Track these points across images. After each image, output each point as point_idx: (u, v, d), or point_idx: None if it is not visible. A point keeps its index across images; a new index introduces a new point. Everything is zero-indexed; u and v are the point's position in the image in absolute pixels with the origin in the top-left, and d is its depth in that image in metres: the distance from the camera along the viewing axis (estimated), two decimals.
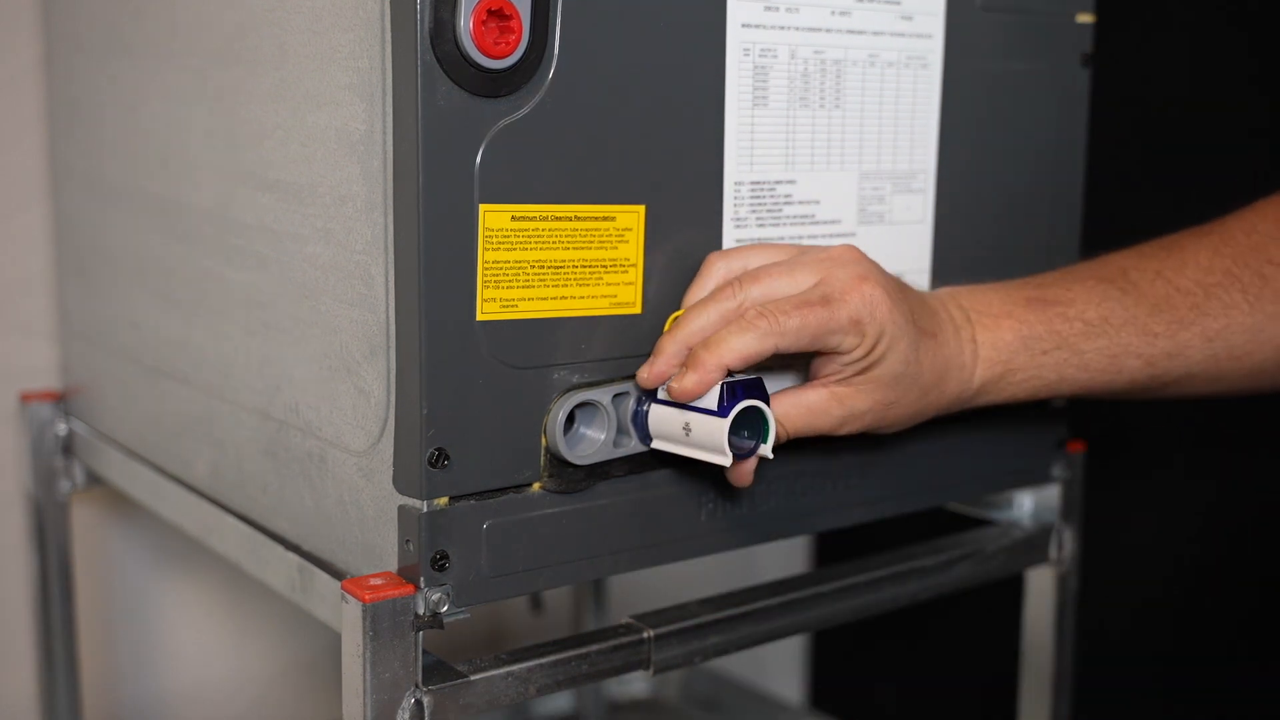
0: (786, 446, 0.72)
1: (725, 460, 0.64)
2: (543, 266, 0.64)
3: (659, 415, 0.67)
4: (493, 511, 0.64)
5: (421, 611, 0.62)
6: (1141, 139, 1.16)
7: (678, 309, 0.68)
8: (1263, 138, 1.12)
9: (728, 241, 0.70)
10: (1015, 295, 0.71)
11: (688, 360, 0.64)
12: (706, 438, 0.64)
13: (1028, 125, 0.82)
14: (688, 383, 0.63)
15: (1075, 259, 0.86)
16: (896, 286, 0.67)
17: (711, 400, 0.64)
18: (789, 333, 0.63)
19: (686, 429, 0.65)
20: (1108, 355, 0.70)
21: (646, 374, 0.66)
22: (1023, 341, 0.69)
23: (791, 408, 0.66)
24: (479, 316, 0.62)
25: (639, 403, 0.67)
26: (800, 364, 0.69)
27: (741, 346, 0.63)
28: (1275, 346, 0.71)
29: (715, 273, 0.67)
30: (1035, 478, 0.88)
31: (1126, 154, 1.15)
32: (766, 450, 0.65)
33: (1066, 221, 0.85)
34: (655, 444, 0.67)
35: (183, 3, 0.79)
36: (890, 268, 0.70)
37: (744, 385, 0.64)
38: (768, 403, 0.65)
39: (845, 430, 0.68)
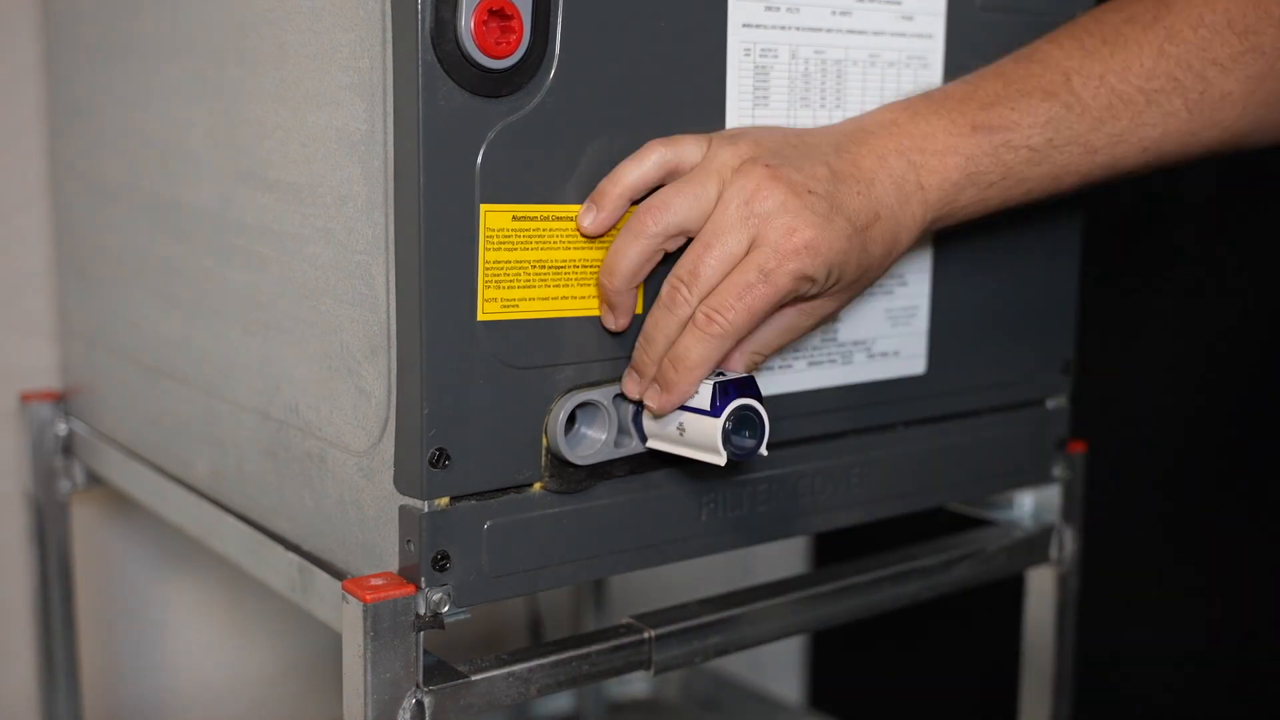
0: (788, 448, 0.72)
1: (719, 460, 0.64)
2: (543, 266, 0.64)
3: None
4: (493, 511, 0.64)
5: (422, 612, 0.62)
6: None
7: None
8: None
9: None
10: (960, 122, 0.69)
11: (658, 378, 0.65)
12: (700, 437, 0.64)
13: None
14: (664, 401, 0.65)
15: (1075, 258, 0.87)
16: (826, 203, 0.64)
17: (704, 400, 0.64)
18: (741, 326, 0.63)
19: (680, 429, 0.65)
20: (1050, 178, 0.70)
21: (629, 386, 0.67)
22: (969, 178, 0.68)
23: (767, 332, 0.66)
24: (480, 316, 0.62)
25: (639, 403, 0.67)
26: None
27: (703, 357, 0.63)
28: (1203, 148, 0.71)
29: (652, 154, 0.65)
30: (1035, 478, 0.88)
31: None
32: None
33: (1066, 220, 0.85)
34: (651, 443, 0.67)
35: (183, 2, 0.79)
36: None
37: (735, 384, 0.64)
38: (761, 400, 0.65)
39: (819, 328, 0.72)
